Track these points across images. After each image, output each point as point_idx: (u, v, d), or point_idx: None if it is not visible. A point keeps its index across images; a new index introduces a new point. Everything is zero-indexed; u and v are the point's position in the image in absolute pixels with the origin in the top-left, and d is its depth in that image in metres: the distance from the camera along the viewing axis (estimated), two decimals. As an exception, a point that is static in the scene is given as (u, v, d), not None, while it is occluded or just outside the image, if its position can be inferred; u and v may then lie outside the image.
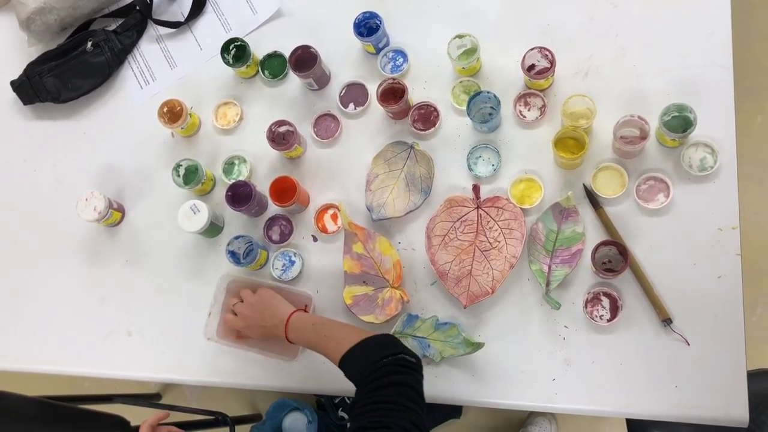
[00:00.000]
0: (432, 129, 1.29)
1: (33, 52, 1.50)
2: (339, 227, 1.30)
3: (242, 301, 1.24)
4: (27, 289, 1.42)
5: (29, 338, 1.40)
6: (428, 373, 1.21)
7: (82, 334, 1.37)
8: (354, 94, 1.35)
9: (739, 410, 1.10)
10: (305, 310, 1.23)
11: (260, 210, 1.33)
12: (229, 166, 1.37)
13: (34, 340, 1.40)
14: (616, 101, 1.23)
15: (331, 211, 1.32)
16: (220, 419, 1.86)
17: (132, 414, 1.88)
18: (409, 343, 1.21)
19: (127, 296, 1.37)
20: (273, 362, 1.27)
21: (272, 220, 1.33)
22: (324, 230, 1.30)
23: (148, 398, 2.10)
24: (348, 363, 0.98)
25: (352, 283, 1.25)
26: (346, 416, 1.36)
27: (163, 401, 2.14)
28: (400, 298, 1.22)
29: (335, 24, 1.38)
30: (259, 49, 1.40)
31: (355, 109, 1.34)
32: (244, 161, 1.36)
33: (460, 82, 1.30)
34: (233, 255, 1.27)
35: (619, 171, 1.20)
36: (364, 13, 1.31)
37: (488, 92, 1.21)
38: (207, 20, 1.46)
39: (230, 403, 2.10)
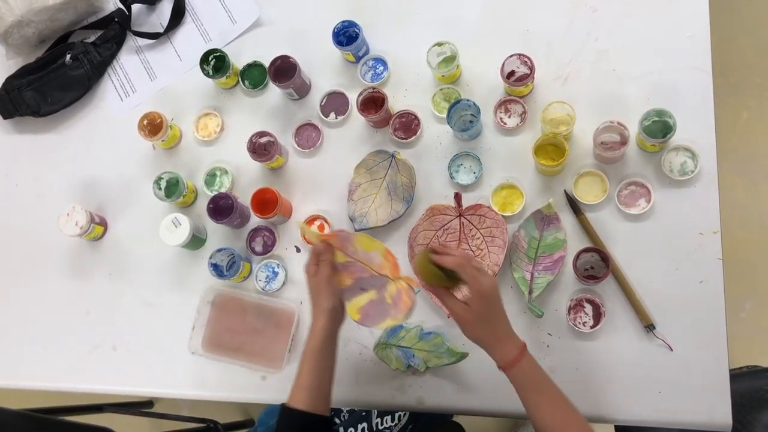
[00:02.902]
0: (413, 137, 1.29)
1: (11, 66, 1.49)
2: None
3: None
4: (9, 305, 1.42)
5: (12, 354, 1.40)
6: (413, 383, 1.22)
7: (67, 349, 1.36)
8: (335, 103, 1.35)
9: (722, 414, 1.10)
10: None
11: (242, 222, 1.33)
12: (210, 177, 1.36)
13: (17, 356, 1.39)
14: (596, 106, 1.23)
15: (317, 222, 1.31)
16: (211, 427, 1.86)
17: (123, 423, 1.89)
18: (393, 353, 1.21)
19: (111, 310, 1.36)
20: (259, 373, 1.27)
21: (255, 232, 1.33)
22: (310, 242, 1.30)
23: (140, 406, 2.09)
24: None
25: (351, 296, 1.09)
26: (338, 420, 1.36)
27: (155, 409, 2.14)
28: (408, 287, 1.08)
29: (315, 33, 1.37)
30: (239, 59, 1.40)
31: (336, 118, 1.34)
32: (226, 172, 1.36)
33: (441, 89, 1.30)
34: (216, 268, 1.27)
35: (600, 177, 1.20)
36: (343, 21, 1.31)
37: (468, 100, 1.21)
38: (186, 31, 1.45)
39: (222, 410, 2.10)
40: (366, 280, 1.09)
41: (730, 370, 1.12)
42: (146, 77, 1.45)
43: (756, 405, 1.30)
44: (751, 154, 2.02)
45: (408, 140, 1.29)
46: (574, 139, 1.22)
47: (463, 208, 1.23)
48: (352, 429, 1.35)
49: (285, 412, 1.00)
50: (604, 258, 1.14)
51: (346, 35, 1.32)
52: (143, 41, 1.47)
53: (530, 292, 1.17)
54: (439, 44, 1.25)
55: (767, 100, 2.06)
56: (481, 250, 1.21)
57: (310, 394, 1.00)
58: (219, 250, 1.27)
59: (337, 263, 1.08)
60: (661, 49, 1.23)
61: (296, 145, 1.34)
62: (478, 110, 1.21)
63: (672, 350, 1.13)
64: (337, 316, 1.05)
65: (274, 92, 1.38)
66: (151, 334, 1.33)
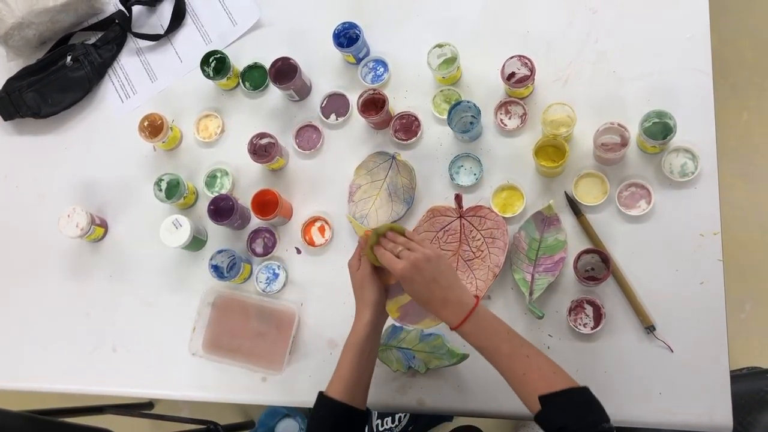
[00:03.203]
0: (414, 139, 1.29)
1: (12, 68, 1.49)
2: (327, 240, 1.29)
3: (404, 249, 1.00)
4: (9, 306, 1.42)
5: (12, 355, 1.40)
6: (414, 384, 1.22)
7: (67, 351, 1.36)
8: (335, 104, 1.35)
9: (722, 415, 1.10)
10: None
11: (243, 223, 1.33)
12: (211, 179, 1.37)
13: (17, 357, 1.39)
14: (597, 108, 1.23)
15: (318, 224, 1.31)
16: (211, 428, 1.86)
17: (124, 424, 1.88)
18: (394, 354, 1.21)
19: (112, 312, 1.36)
20: (259, 375, 1.27)
21: (255, 233, 1.33)
22: (311, 243, 1.30)
23: (140, 408, 2.09)
24: (548, 408, 0.91)
25: (394, 295, 1.08)
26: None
27: (156, 410, 2.14)
28: None
29: (315, 34, 1.37)
30: (239, 61, 1.40)
31: (337, 119, 1.34)
32: (227, 174, 1.36)
33: (441, 91, 1.30)
34: (216, 269, 1.27)
35: (600, 178, 1.20)
36: (344, 23, 1.31)
37: (468, 101, 1.21)
38: (187, 32, 1.45)
39: (222, 411, 2.10)
40: None
41: (731, 372, 1.12)
42: (147, 79, 1.45)
43: (756, 406, 1.30)
44: (751, 155, 2.02)
45: (408, 142, 1.29)
46: (574, 140, 1.23)
47: (464, 209, 1.23)
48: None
49: (322, 400, 1.01)
50: (605, 259, 1.14)
51: (347, 37, 1.32)
52: (144, 43, 1.47)
53: (531, 294, 1.17)
54: (440, 46, 1.25)
55: (767, 100, 2.06)
56: (482, 251, 1.21)
57: (348, 387, 1.01)
58: (219, 252, 1.27)
59: None
60: (661, 50, 1.23)
61: (297, 147, 1.34)
62: (479, 112, 1.21)
63: (672, 351, 1.13)
64: (381, 309, 1.06)
65: (274, 94, 1.38)
66: (152, 335, 1.33)
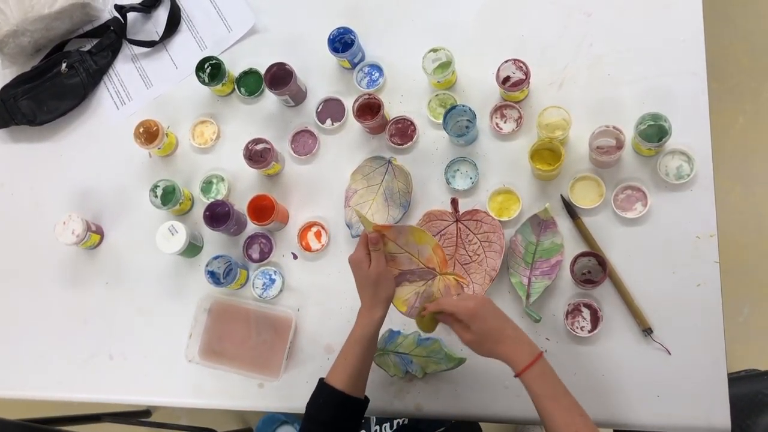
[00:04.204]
0: (409, 143, 1.29)
1: (7, 75, 1.49)
2: (323, 245, 1.29)
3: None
4: (5, 314, 1.41)
5: (8, 363, 1.39)
6: (411, 389, 1.21)
7: (63, 358, 1.36)
8: (331, 109, 1.35)
9: (721, 418, 1.10)
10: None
11: (239, 229, 1.33)
12: (207, 185, 1.36)
13: (13, 366, 1.39)
14: (592, 111, 1.23)
15: (314, 229, 1.31)
16: (209, 436, 1.86)
17: (121, 432, 1.88)
18: (391, 359, 1.21)
19: (108, 319, 1.36)
20: (256, 381, 1.27)
21: (252, 239, 1.32)
22: (308, 248, 1.30)
23: (137, 416, 2.08)
24: None
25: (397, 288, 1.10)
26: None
27: (153, 418, 2.12)
28: (457, 284, 1.09)
29: (310, 39, 1.37)
30: (234, 66, 1.40)
31: (333, 124, 1.34)
32: (222, 180, 1.36)
33: (436, 95, 1.30)
34: (213, 275, 1.27)
35: (596, 181, 1.20)
36: (339, 28, 1.31)
37: (464, 105, 1.21)
38: (182, 39, 1.46)
39: (220, 419, 2.09)
40: (413, 272, 1.10)
41: (729, 374, 1.11)
42: (142, 85, 1.45)
43: (755, 409, 1.30)
44: (747, 159, 2.02)
45: (404, 146, 1.29)
46: (569, 143, 1.23)
47: (460, 213, 1.23)
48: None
49: (324, 388, 1.02)
50: (601, 262, 1.14)
51: (342, 42, 1.32)
52: (139, 49, 1.47)
53: (528, 297, 1.17)
54: (435, 50, 1.26)
55: (762, 104, 2.07)
56: (478, 255, 1.20)
57: (352, 378, 1.02)
58: (215, 258, 1.27)
59: (386, 254, 1.08)
60: (656, 53, 1.23)
61: (293, 152, 1.34)
62: (474, 116, 1.21)
63: (670, 354, 1.13)
64: (389, 305, 1.07)
65: (270, 99, 1.38)
66: (148, 342, 1.33)
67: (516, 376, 0.96)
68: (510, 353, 0.97)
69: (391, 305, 1.08)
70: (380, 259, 1.05)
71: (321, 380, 1.03)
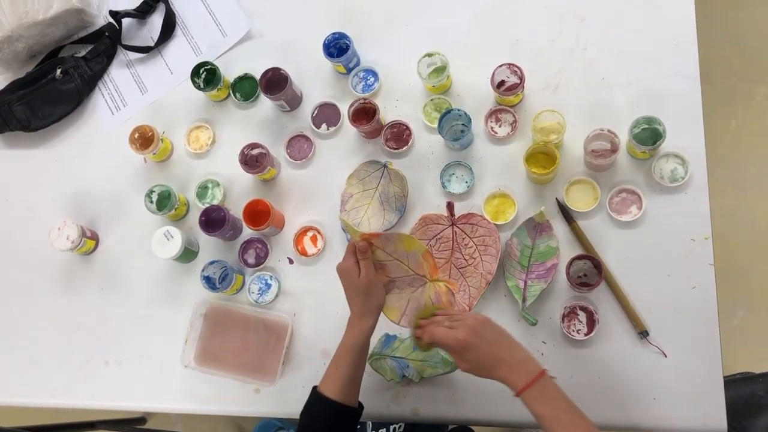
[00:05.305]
0: (405, 147, 1.29)
1: (1, 81, 1.49)
2: (319, 249, 1.29)
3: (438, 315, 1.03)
4: (0, 320, 1.41)
5: (2, 370, 1.38)
6: (408, 393, 1.21)
7: (58, 365, 1.35)
8: (326, 114, 1.35)
9: (717, 420, 1.10)
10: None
11: (235, 234, 1.33)
12: (202, 190, 1.36)
13: (7, 372, 1.38)
14: (586, 114, 1.23)
15: (310, 234, 1.31)
16: (204, 443, 1.85)
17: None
18: (387, 363, 1.21)
19: (103, 325, 1.35)
20: (253, 386, 1.26)
21: (247, 244, 1.32)
22: (303, 253, 1.29)
23: (133, 423, 2.07)
24: None
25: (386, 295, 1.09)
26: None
27: (149, 425, 2.12)
28: (447, 291, 1.08)
29: (305, 44, 1.37)
30: (230, 72, 1.40)
31: (328, 129, 1.34)
32: (218, 185, 1.36)
33: (431, 99, 1.30)
34: (208, 281, 1.26)
35: (591, 184, 1.20)
36: (334, 33, 1.31)
37: (459, 110, 1.22)
38: (177, 44, 1.46)
39: (216, 426, 2.09)
40: (403, 280, 1.09)
41: (724, 377, 1.12)
42: (137, 91, 1.45)
43: (751, 411, 1.30)
44: (741, 162, 2.04)
45: (400, 150, 1.29)
46: (564, 147, 1.23)
47: (456, 217, 1.23)
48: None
49: (317, 397, 1.01)
50: (597, 265, 1.15)
51: (337, 47, 1.32)
52: (134, 55, 1.47)
53: (524, 301, 1.17)
54: (430, 55, 1.26)
55: (755, 107, 2.08)
56: (474, 258, 1.21)
57: (344, 387, 1.01)
58: (211, 263, 1.27)
59: (375, 262, 1.07)
60: (649, 57, 1.24)
61: (288, 157, 1.34)
62: (469, 120, 1.22)
63: (666, 356, 1.13)
64: (380, 314, 1.06)
65: (265, 104, 1.39)
66: (144, 348, 1.32)
67: (516, 396, 0.95)
68: (505, 377, 0.95)
69: (382, 314, 1.08)
70: (369, 268, 1.04)
71: (314, 389, 1.03)
